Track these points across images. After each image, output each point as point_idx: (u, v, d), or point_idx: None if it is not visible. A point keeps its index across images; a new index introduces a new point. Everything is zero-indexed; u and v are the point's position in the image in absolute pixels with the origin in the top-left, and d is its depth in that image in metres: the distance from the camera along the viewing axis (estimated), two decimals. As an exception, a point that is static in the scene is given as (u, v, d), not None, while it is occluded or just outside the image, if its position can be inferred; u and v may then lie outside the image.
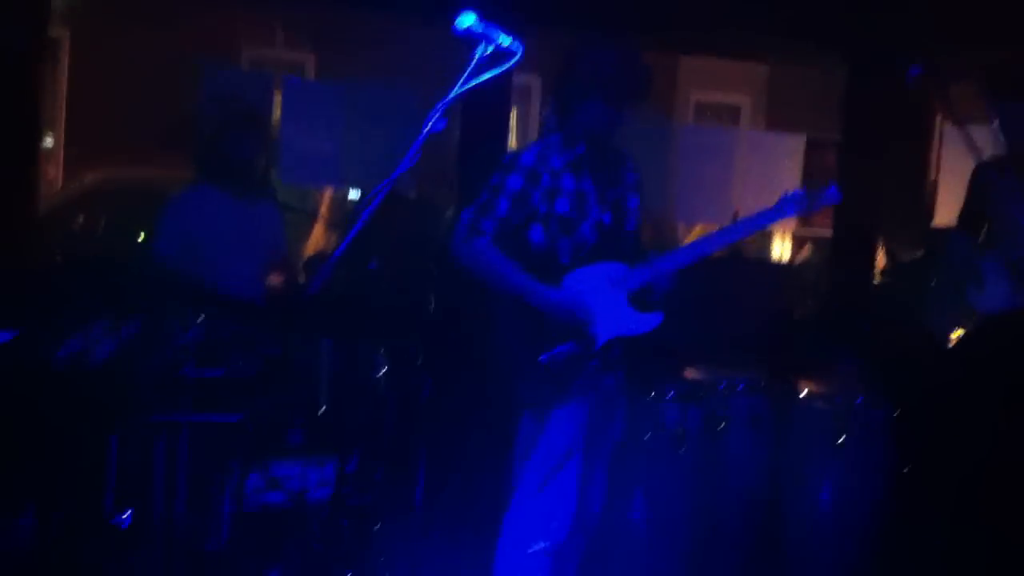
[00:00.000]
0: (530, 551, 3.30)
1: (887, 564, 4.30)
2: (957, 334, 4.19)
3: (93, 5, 7.06)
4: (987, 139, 4.14)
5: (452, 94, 2.65)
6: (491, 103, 5.67)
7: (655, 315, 3.34)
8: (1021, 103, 4.09)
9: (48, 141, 10.95)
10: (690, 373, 4.53)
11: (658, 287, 3.37)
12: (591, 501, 3.49)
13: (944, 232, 4.88)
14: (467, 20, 2.69)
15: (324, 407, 3.78)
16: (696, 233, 7.59)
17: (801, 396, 4.48)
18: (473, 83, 2.66)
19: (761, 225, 3.51)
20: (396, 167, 2.61)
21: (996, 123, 4.16)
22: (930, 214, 6.70)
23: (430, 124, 2.62)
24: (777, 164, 6.61)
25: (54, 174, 10.90)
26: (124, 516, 3.40)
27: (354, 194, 6.26)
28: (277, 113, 6.01)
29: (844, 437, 4.27)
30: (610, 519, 3.89)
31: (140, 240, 4.55)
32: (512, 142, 15.30)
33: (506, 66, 2.69)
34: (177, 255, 4.25)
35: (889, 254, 6.43)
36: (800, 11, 5.71)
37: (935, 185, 6.76)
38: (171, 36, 10.25)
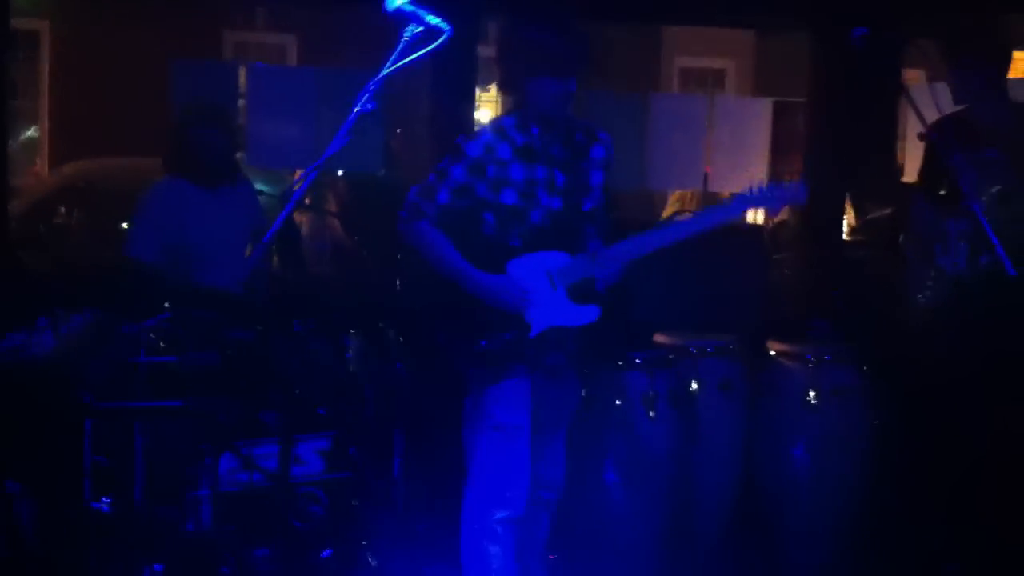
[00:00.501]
0: (490, 520, 3.36)
1: (862, 522, 4.37)
2: (926, 292, 4.24)
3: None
4: (946, 98, 4.19)
5: (381, 74, 2.70)
6: (458, 76, 5.72)
7: (591, 308, 3.37)
8: (967, 69, 4.14)
9: (32, 132, 11.02)
10: (659, 338, 4.56)
11: (601, 278, 3.37)
12: (551, 470, 3.55)
13: (910, 189, 4.91)
14: (396, 0, 2.74)
15: (297, 389, 3.81)
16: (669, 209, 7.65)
17: (771, 356, 4.55)
18: (402, 63, 2.71)
19: (722, 220, 3.40)
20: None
21: (950, 83, 4.22)
22: (900, 171, 6.74)
23: (360, 105, 2.66)
24: (747, 128, 6.63)
25: (40, 166, 10.97)
26: (104, 501, 3.46)
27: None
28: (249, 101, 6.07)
29: (814, 396, 4.33)
30: (583, 487, 3.98)
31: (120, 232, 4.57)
32: (497, 113, 15.28)
33: (434, 46, 2.73)
34: (154, 253, 4.29)
35: (859, 211, 6.50)
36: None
37: (903, 143, 6.80)
38: (152, 24, 10.29)
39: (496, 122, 3.43)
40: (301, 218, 5.58)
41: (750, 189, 3.42)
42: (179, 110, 4.58)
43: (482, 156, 3.33)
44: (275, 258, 4.42)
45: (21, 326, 3.29)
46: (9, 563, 3.42)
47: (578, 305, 3.37)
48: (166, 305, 3.55)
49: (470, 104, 6.18)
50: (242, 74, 6.19)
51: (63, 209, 7.36)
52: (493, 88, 15.27)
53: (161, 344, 3.40)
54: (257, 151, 5.96)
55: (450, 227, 3.35)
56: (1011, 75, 4.30)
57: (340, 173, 6.15)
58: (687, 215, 3.49)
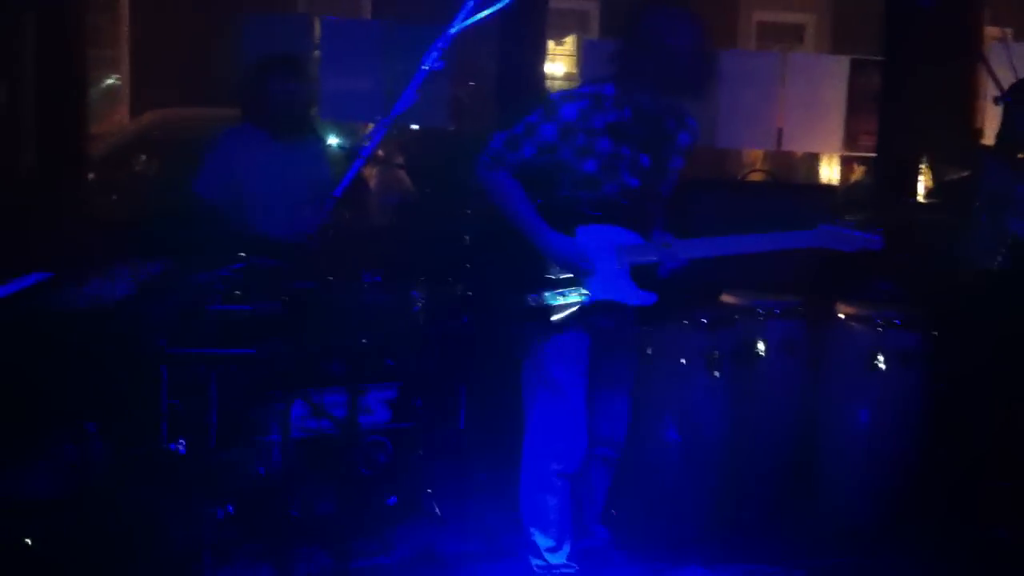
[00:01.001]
0: (547, 472, 3.43)
1: (923, 487, 4.35)
2: (997, 258, 4.19)
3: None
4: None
5: (451, 31, 2.72)
6: (528, 29, 5.73)
7: (650, 294, 3.39)
8: None
9: (113, 80, 11.21)
10: (726, 298, 4.56)
11: (667, 266, 3.40)
12: (611, 428, 3.60)
13: (985, 153, 4.83)
14: None
15: (365, 339, 3.89)
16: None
17: (839, 318, 4.52)
18: (472, 20, 2.73)
19: (794, 246, 3.47)
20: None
21: None
22: (979, 133, 6.60)
23: (427, 64, 2.69)
24: (822, 86, 6.54)
25: (122, 113, 11.17)
26: (180, 443, 3.59)
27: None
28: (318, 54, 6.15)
29: (881, 360, 4.30)
30: (645, 444, 4.02)
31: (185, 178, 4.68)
32: (572, 68, 15.25)
33: (502, 3, 2.75)
34: (218, 193, 4.40)
35: (935, 173, 6.38)
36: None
37: (983, 103, 6.64)
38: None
39: (597, 88, 3.41)
40: (370, 171, 5.65)
41: (833, 226, 3.45)
42: (258, 60, 4.63)
43: (575, 122, 3.34)
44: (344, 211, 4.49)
45: (100, 273, 3.39)
46: (84, 502, 3.56)
47: (638, 288, 3.40)
48: (241, 254, 3.63)
49: (540, 58, 6.19)
50: (316, 27, 6.24)
51: (143, 157, 7.53)
52: (568, 41, 15.22)
53: (234, 293, 3.49)
54: (330, 104, 6.04)
55: (527, 180, 3.37)
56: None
57: (414, 127, 6.22)
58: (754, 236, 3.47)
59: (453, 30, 2.76)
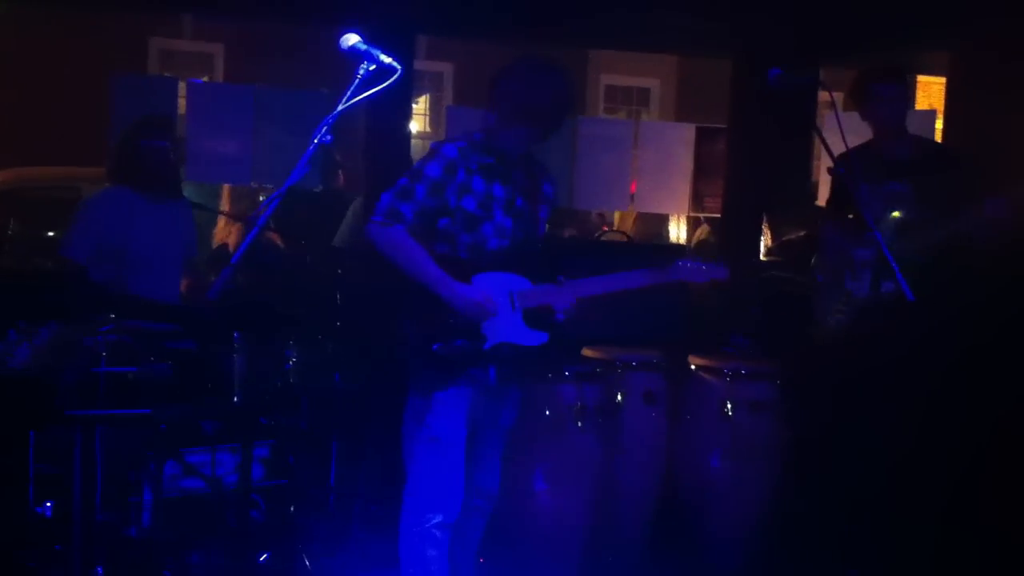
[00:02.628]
0: (428, 525, 3.51)
1: (778, 527, 4.59)
2: (835, 315, 4.50)
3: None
4: (855, 128, 4.46)
5: (337, 110, 2.87)
6: (394, 95, 5.87)
7: (543, 333, 3.58)
8: (876, 103, 4.42)
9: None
10: (588, 352, 4.77)
11: (561, 307, 3.57)
12: (487, 480, 3.73)
13: (821, 215, 5.18)
14: (350, 39, 2.93)
15: (236, 398, 3.93)
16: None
17: (693, 370, 4.78)
18: (357, 99, 2.88)
19: (662, 280, 3.70)
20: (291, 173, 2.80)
21: (862, 116, 4.51)
22: (814, 195, 7.07)
23: (317, 138, 2.82)
24: (671, 151, 6.90)
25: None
26: (47, 505, 3.54)
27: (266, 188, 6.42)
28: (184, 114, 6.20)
29: (731, 408, 4.56)
30: (514, 494, 4.15)
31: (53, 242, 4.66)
32: (425, 127, 15.46)
33: (387, 83, 2.91)
34: (90, 256, 4.38)
35: (775, 232, 6.80)
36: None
37: (819, 163, 7.13)
38: (81, 31, 10.26)
39: (468, 135, 3.61)
40: (235, 230, 5.70)
41: (688, 260, 3.73)
42: (123, 121, 4.66)
43: (457, 158, 3.50)
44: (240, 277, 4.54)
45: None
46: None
47: (532, 328, 3.57)
48: (111, 316, 3.63)
49: (406, 119, 6.38)
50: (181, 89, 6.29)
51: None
52: (422, 100, 15.48)
53: (111, 355, 3.50)
54: (195, 166, 6.07)
55: (420, 233, 3.50)
56: (916, 107, 4.62)
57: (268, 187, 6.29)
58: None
59: (341, 106, 2.90)
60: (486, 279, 3.53)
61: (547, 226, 3.79)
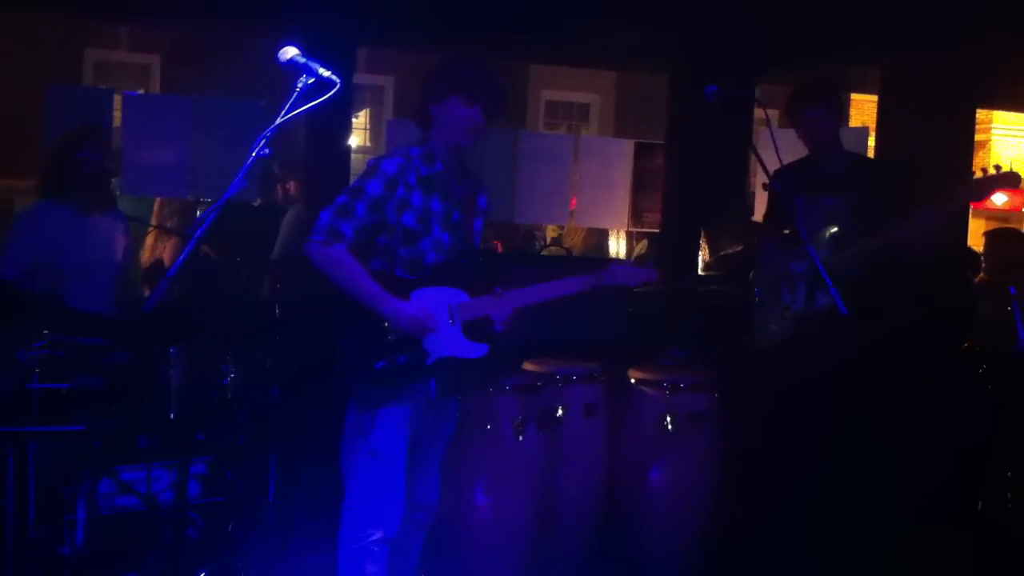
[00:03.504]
0: (367, 541, 3.49)
1: (717, 538, 4.64)
2: (771, 327, 4.56)
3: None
4: (789, 145, 4.54)
5: (275, 123, 2.86)
6: (334, 109, 5.87)
7: (483, 345, 3.58)
8: (811, 120, 4.51)
9: None
10: (528, 366, 4.78)
11: (499, 319, 3.59)
12: (427, 493, 3.72)
13: (758, 230, 5.26)
14: (289, 52, 2.92)
15: (173, 413, 3.88)
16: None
17: (632, 383, 4.81)
18: (295, 112, 2.88)
19: (597, 284, 3.70)
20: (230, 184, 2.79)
21: (797, 133, 4.59)
22: (750, 210, 7.17)
23: (255, 151, 2.81)
24: (610, 166, 6.96)
25: None
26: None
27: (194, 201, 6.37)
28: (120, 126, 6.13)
29: (670, 421, 4.60)
30: (455, 507, 4.15)
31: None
32: (365, 140, 15.42)
33: (326, 97, 2.91)
34: (23, 271, 4.32)
35: (712, 247, 6.88)
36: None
37: (755, 179, 7.24)
38: (14, 40, 10.09)
39: (404, 150, 3.60)
40: (168, 243, 5.64)
41: (621, 265, 3.79)
42: (58, 132, 4.59)
43: (396, 174, 3.49)
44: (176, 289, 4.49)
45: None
46: None
47: (471, 341, 3.58)
48: (44, 332, 3.57)
49: (346, 133, 6.36)
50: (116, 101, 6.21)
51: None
52: (362, 114, 15.42)
53: (44, 369, 3.44)
54: (131, 179, 6.00)
55: (358, 249, 3.48)
56: (850, 124, 4.72)
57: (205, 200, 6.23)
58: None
59: (279, 120, 2.89)
60: (424, 294, 3.53)
61: (481, 239, 3.79)
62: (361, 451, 3.51)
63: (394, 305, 3.45)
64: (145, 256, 6.08)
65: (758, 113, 5.24)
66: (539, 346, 4.74)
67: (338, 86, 2.91)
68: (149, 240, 5.95)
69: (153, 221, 6.18)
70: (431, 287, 3.55)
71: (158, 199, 6.21)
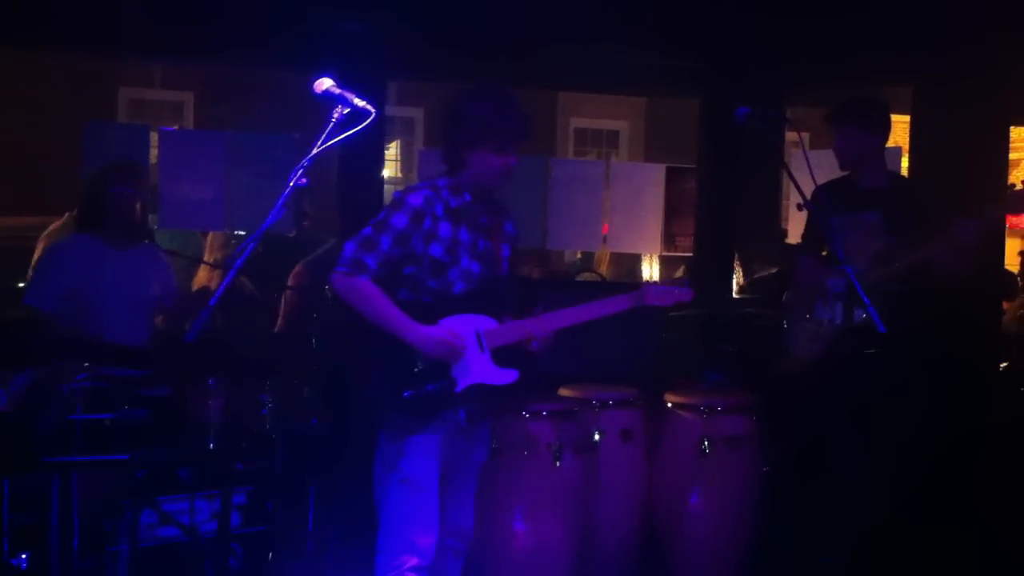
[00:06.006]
0: (403, 569, 3.49)
1: (757, 562, 4.61)
2: (808, 346, 4.54)
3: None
4: (824, 165, 4.54)
5: (312, 153, 2.90)
6: (367, 141, 5.92)
7: (512, 371, 3.59)
8: (850, 138, 4.50)
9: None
10: (564, 391, 4.78)
11: (539, 335, 3.59)
12: (461, 520, 3.72)
13: (794, 249, 5.25)
14: (324, 84, 2.96)
15: (212, 444, 3.91)
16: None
17: (669, 407, 4.80)
18: (331, 142, 2.92)
19: (632, 305, 3.71)
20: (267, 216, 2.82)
21: (835, 151, 4.59)
22: (784, 233, 7.14)
23: (293, 181, 2.85)
24: (642, 191, 6.96)
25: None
26: (23, 557, 3.50)
27: (237, 234, 6.45)
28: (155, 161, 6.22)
29: (708, 444, 4.58)
30: (492, 534, 4.15)
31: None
32: (396, 172, 15.54)
33: (362, 126, 2.94)
34: (55, 304, 4.37)
35: (746, 271, 6.87)
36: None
37: (788, 202, 7.21)
38: (51, 81, 10.27)
39: (432, 182, 3.62)
40: (213, 276, 5.69)
41: (654, 285, 3.78)
42: (95, 168, 4.67)
43: (423, 206, 3.51)
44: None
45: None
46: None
47: (501, 367, 3.58)
48: (85, 364, 3.62)
49: (379, 165, 6.42)
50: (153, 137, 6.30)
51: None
52: (393, 146, 15.54)
53: (86, 401, 3.48)
54: (168, 213, 6.08)
55: (382, 283, 3.50)
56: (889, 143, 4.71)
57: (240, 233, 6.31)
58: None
59: (316, 149, 2.93)
60: (452, 322, 3.54)
61: (510, 265, 3.78)
62: (392, 479, 3.52)
63: (420, 332, 3.46)
64: (193, 287, 6.13)
65: (791, 135, 5.25)
66: (574, 372, 4.75)
67: (374, 115, 2.94)
68: (202, 274, 6.03)
69: (205, 255, 6.26)
70: (459, 315, 3.55)
71: (210, 234, 6.31)
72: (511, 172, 3.58)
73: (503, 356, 3.59)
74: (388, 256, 3.48)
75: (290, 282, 5.46)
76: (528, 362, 3.63)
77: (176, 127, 11.48)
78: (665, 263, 8.83)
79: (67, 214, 5.88)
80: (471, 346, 3.55)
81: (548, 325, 3.61)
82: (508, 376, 3.59)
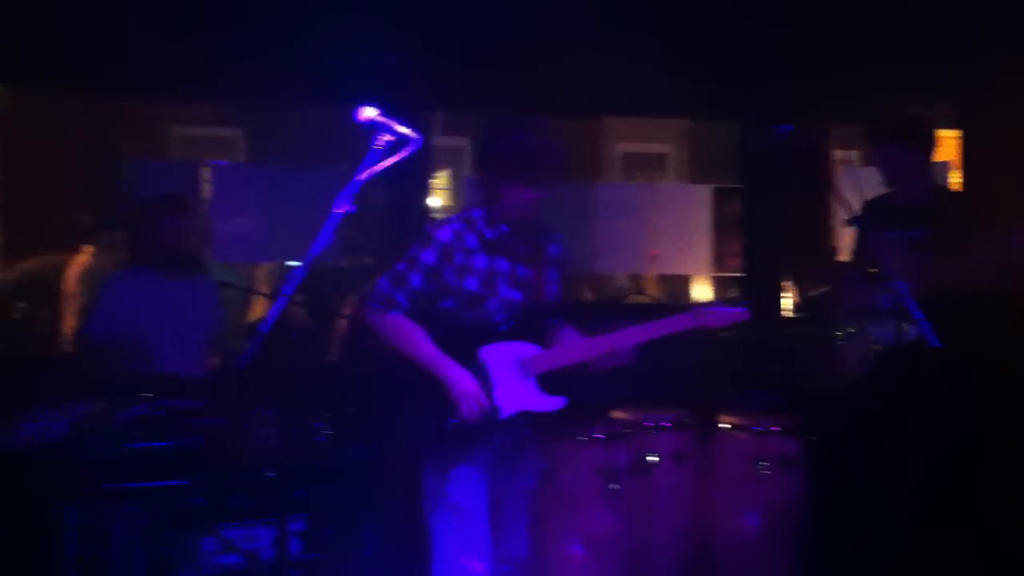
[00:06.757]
0: None
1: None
2: (860, 364, 4.50)
3: (18, 91, 7.34)
4: (872, 180, 4.52)
5: (356, 180, 2.95)
6: (413, 171, 5.99)
7: (559, 398, 3.56)
8: (893, 153, 4.48)
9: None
10: (617, 414, 4.78)
11: (621, 355, 3.57)
12: (514, 547, 3.70)
13: (844, 267, 5.21)
14: (368, 112, 3.02)
15: (268, 472, 3.96)
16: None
17: (722, 429, 4.78)
18: (375, 169, 2.96)
19: (678, 328, 3.60)
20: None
21: (878, 166, 4.57)
22: (835, 251, 7.09)
23: (339, 209, 2.90)
24: (689, 213, 6.97)
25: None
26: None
27: (289, 265, 6.54)
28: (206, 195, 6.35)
29: (762, 465, 4.55)
30: (547, 558, 4.15)
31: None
32: (446, 201, 15.63)
33: (405, 153, 2.99)
34: (111, 335, 4.47)
35: (799, 290, 6.82)
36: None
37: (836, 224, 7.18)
38: (102, 117, 10.46)
39: (466, 213, 3.62)
40: (267, 307, 5.77)
41: (704, 306, 3.72)
42: (143, 200, 4.78)
43: (451, 242, 3.52)
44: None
45: (30, 414, 3.44)
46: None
47: (547, 394, 3.56)
48: (146, 395, 3.70)
49: (425, 194, 6.48)
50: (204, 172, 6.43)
51: (20, 304, 7.47)
52: (442, 175, 15.65)
53: (145, 430, 3.55)
54: (219, 245, 6.19)
55: (419, 314, 3.52)
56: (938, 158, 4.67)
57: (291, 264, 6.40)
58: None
59: (361, 177, 2.97)
60: (493, 351, 3.54)
61: (557, 287, 3.73)
62: (441, 507, 3.53)
63: (452, 372, 3.45)
64: (251, 319, 6.23)
65: (840, 153, 5.24)
66: (621, 394, 4.74)
67: (417, 142, 2.98)
68: (257, 306, 6.12)
69: (258, 287, 6.37)
70: (501, 342, 3.55)
71: (262, 265, 6.42)
72: (544, 203, 3.55)
73: (550, 382, 3.59)
74: (419, 292, 3.51)
75: (344, 312, 5.52)
76: (577, 387, 3.62)
77: (226, 162, 11.62)
78: (717, 284, 8.81)
79: (90, 248, 5.99)
80: (513, 375, 3.53)
81: (601, 347, 3.58)
82: (555, 403, 3.57)
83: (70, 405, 3.52)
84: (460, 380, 3.46)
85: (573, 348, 3.59)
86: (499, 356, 3.54)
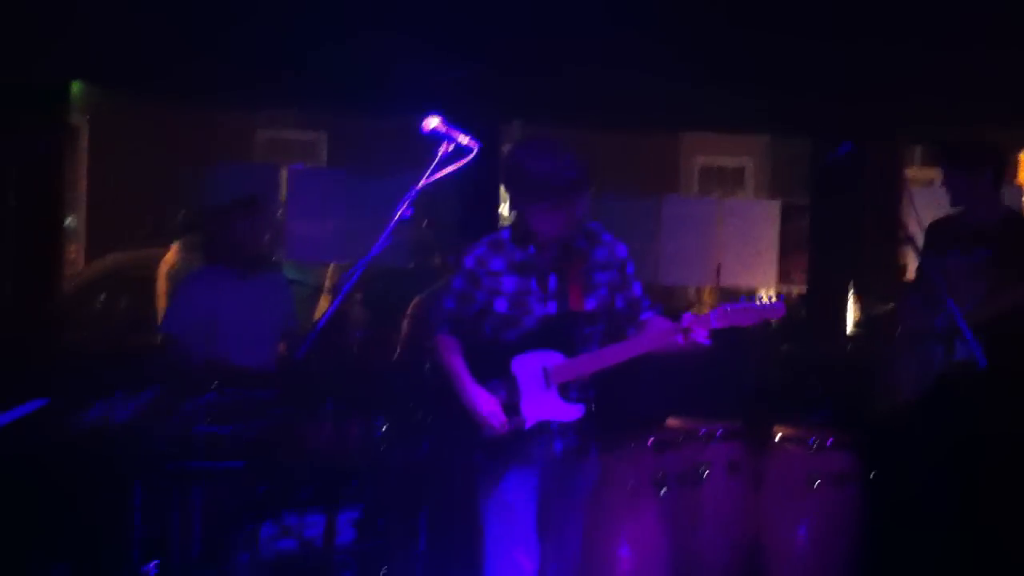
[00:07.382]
0: None
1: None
2: (917, 383, 4.50)
3: (110, 93, 7.63)
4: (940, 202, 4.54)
5: (419, 186, 3.08)
6: (482, 174, 6.10)
7: (577, 407, 3.62)
8: (961, 173, 4.49)
9: (71, 222, 11.41)
10: (671, 422, 4.82)
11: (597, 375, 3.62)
12: (566, 549, 3.77)
13: (907, 288, 5.21)
14: (432, 122, 3.15)
15: (332, 463, 4.11)
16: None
17: (776, 441, 4.80)
18: (437, 176, 3.09)
19: (699, 327, 3.52)
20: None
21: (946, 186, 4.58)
22: (902, 270, 7.05)
23: (399, 212, 3.04)
24: (756, 228, 6.99)
25: (76, 254, 11.34)
26: (151, 565, 3.74)
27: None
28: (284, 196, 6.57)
29: (816, 479, 4.56)
30: (596, 563, 4.21)
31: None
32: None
33: (465, 161, 3.11)
34: (186, 329, 4.69)
35: (863, 307, 6.79)
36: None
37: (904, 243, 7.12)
38: (189, 121, 10.78)
39: (495, 236, 3.70)
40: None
41: (732, 304, 3.59)
42: (218, 202, 5.00)
43: (475, 268, 3.63)
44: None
45: (98, 400, 3.64)
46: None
47: (566, 403, 3.62)
48: (214, 383, 3.87)
49: (495, 201, 6.61)
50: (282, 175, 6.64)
51: (103, 296, 7.79)
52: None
53: (211, 418, 3.72)
54: (294, 245, 6.39)
55: (465, 331, 3.67)
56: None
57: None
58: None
59: (421, 184, 3.11)
60: (522, 361, 3.61)
61: (609, 291, 3.68)
62: (491, 506, 3.63)
63: (470, 394, 3.56)
64: (318, 316, 6.42)
65: (912, 173, 5.24)
66: (674, 406, 4.79)
67: (476, 152, 3.10)
68: (323, 304, 6.31)
69: (326, 285, 6.57)
70: (530, 351, 3.61)
71: (331, 265, 6.61)
72: (572, 219, 3.56)
73: (570, 391, 3.64)
74: (456, 314, 3.67)
75: (408, 312, 5.67)
76: (598, 396, 3.67)
77: (304, 166, 11.90)
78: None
79: (175, 243, 6.24)
80: (536, 383, 3.59)
81: (602, 360, 3.60)
82: (573, 412, 3.62)
83: (144, 391, 3.70)
84: (479, 402, 3.56)
85: (596, 356, 3.63)
86: (527, 366, 3.62)
